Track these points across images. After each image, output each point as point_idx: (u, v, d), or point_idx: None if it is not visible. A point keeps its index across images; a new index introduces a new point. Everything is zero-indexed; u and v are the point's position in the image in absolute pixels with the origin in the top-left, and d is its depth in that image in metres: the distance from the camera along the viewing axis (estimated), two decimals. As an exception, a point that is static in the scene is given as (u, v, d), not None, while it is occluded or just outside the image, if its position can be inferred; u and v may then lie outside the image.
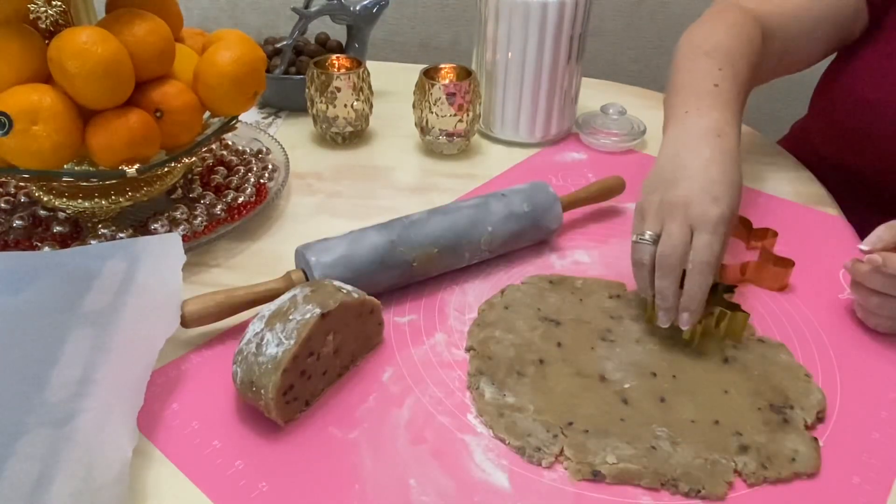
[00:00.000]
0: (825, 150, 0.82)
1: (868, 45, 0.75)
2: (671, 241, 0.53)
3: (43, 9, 0.57)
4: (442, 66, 0.83)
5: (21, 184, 0.68)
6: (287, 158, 0.76)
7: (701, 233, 0.52)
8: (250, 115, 0.92)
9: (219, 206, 0.67)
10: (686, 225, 0.53)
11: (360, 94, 0.83)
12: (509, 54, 0.82)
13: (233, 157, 0.77)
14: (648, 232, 0.54)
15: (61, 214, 0.65)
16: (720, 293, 0.58)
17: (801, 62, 0.78)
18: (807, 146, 0.87)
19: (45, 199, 0.64)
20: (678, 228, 0.53)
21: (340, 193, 0.76)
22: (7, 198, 0.68)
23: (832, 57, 0.80)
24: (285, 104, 0.95)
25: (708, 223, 0.52)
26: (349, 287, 0.51)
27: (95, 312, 0.49)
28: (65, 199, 0.64)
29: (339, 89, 0.81)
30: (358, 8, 0.92)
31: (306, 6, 0.93)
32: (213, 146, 0.74)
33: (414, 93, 0.82)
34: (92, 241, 0.61)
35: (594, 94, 0.98)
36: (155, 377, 0.51)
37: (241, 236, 0.68)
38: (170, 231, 0.63)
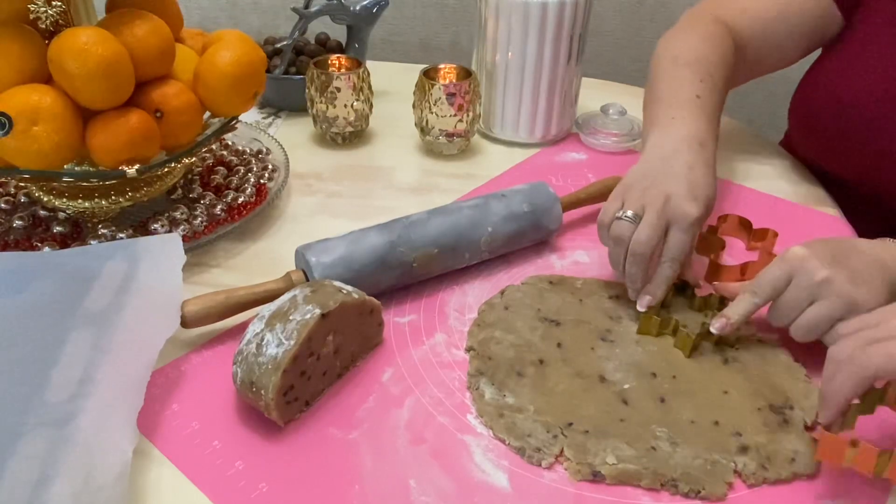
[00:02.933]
0: (810, 157, 0.83)
1: (840, 48, 0.76)
2: (647, 231, 0.55)
3: (43, 9, 0.57)
4: (442, 66, 0.83)
5: (21, 184, 0.68)
6: (287, 158, 0.76)
7: (675, 230, 0.57)
8: (250, 115, 0.92)
9: (219, 207, 0.67)
10: (664, 217, 0.56)
11: (360, 94, 0.83)
12: (509, 54, 0.82)
13: (233, 157, 0.77)
14: (630, 211, 0.57)
15: (61, 214, 0.65)
16: (714, 306, 0.58)
17: (773, 66, 0.80)
18: (794, 154, 0.87)
19: (45, 199, 0.64)
20: (657, 219, 0.56)
21: (340, 193, 0.76)
22: (7, 198, 0.68)
23: (808, 67, 0.81)
24: (285, 104, 0.95)
25: (684, 220, 0.56)
26: (349, 287, 0.51)
27: (95, 312, 0.49)
28: (65, 199, 0.64)
29: (339, 89, 0.81)
30: (358, 8, 0.92)
31: (306, 6, 0.93)
32: (213, 146, 0.74)
33: (414, 93, 0.82)
34: (92, 241, 0.61)
35: (594, 94, 0.98)
36: (155, 377, 0.51)
37: (241, 236, 0.68)
38: (170, 231, 0.63)
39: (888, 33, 0.70)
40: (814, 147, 0.80)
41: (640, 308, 0.57)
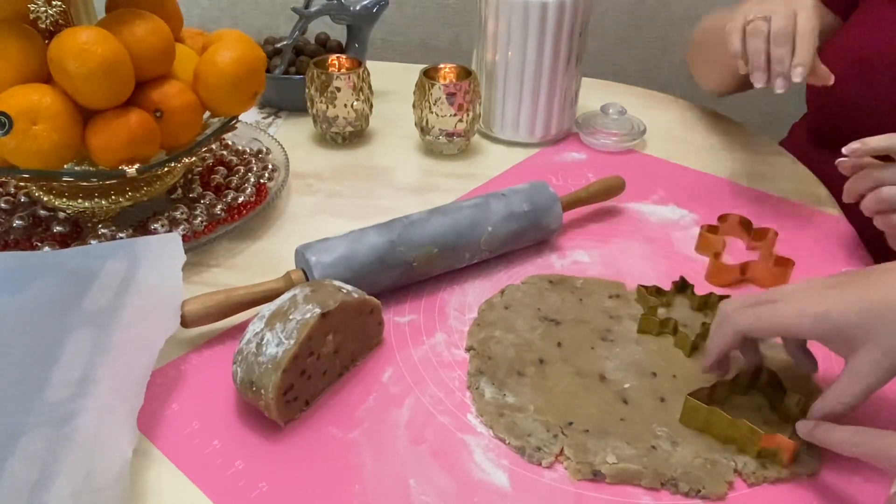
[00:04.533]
0: (827, 128, 0.84)
1: (855, 19, 0.78)
2: (783, 21, 0.63)
3: (43, 9, 0.57)
4: (442, 66, 0.83)
5: (21, 184, 0.68)
6: (287, 158, 0.76)
7: (801, 10, 0.63)
8: (250, 115, 0.92)
9: (219, 206, 0.67)
10: (791, 9, 0.63)
11: (360, 94, 0.83)
12: (509, 54, 0.82)
13: (233, 157, 0.77)
14: (759, 15, 0.64)
15: (61, 214, 0.65)
16: (714, 305, 0.58)
17: None
18: (805, 143, 0.87)
19: (45, 199, 0.64)
20: (786, 15, 0.63)
21: (340, 193, 0.76)
22: (7, 198, 0.68)
23: None
24: (285, 104, 0.95)
25: (799, 4, 0.64)
26: (349, 287, 0.51)
27: (95, 312, 0.49)
28: (65, 199, 0.64)
29: (339, 89, 0.81)
30: (358, 8, 0.92)
31: (306, 6, 0.93)
32: (213, 146, 0.74)
33: (414, 93, 0.82)
34: (92, 241, 0.61)
35: (594, 94, 0.98)
36: (155, 377, 0.51)
37: (241, 236, 0.68)
38: (170, 231, 0.63)
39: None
40: (834, 111, 0.81)
41: (797, 79, 0.62)
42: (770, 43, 0.63)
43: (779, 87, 0.63)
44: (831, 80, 0.66)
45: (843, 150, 0.60)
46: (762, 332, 0.46)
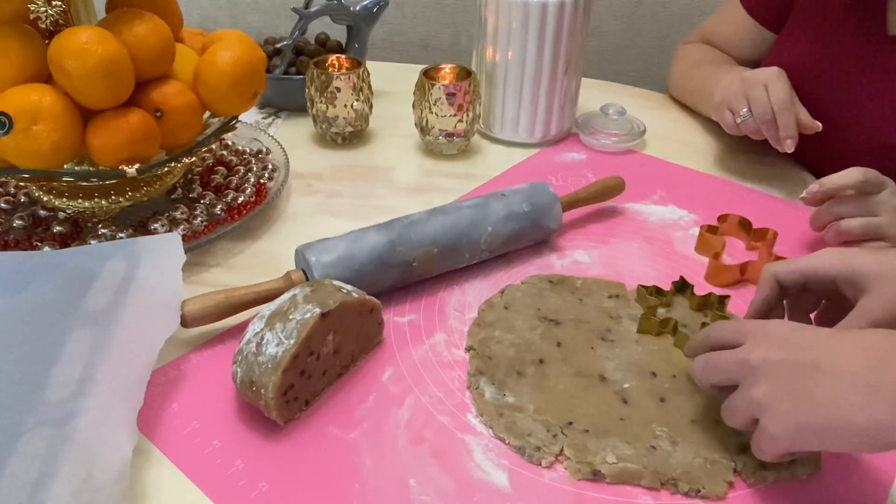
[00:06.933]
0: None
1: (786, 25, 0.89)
2: (763, 105, 0.72)
3: (43, 9, 0.57)
4: (442, 66, 0.83)
5: (21, 184, 0.68)
6: (287, 158, 0.76)
7: (770, 82, 0.73)
8: (250, 115, 0.92)
9: (219, 206, 0.67)
10: (763, 87, 0.73)
11: (360, 94, 0.83)
12: (509, 54, 0.82)
13: (233, 157, 0.77)
14: (743, 110, 0.74)
15: (61, 214, 0.65)
16: (713, 305, 0.58)
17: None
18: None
19: (45, 199, 0.64)
20: (761, 94, 0.73)
21: (340, 193, 0.76)
22: (7, 198, 0.68)
23: None
24: (285, 104, 0.95)
25: (768, 78, 0.74)
26: (349, 287, 0.51)
27: (95, 312, 0.49)
28: (65, 199, 0.64)
29: (339, 89, 0.81)
30: (358, 8, 0.92)
31: (306, 6, 0.93)
32: (213, 146, 0.74)
33: (414, 93, 0.82)
34: (92, 241, 0.61)
35: (594, 94, 0.98)
36: (155, 377, 0.51)
37: (241, 236, 0.68)
38: (170, 231, 0.63)
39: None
40: None
41: (789, 150, 0.71)
42: (762, 127, 0.73)
43: (781, 151, 0.73)
44: (819, 126, 0.72)
45: (804, 192, 0.67)
46: (792, 273, 0.50)
